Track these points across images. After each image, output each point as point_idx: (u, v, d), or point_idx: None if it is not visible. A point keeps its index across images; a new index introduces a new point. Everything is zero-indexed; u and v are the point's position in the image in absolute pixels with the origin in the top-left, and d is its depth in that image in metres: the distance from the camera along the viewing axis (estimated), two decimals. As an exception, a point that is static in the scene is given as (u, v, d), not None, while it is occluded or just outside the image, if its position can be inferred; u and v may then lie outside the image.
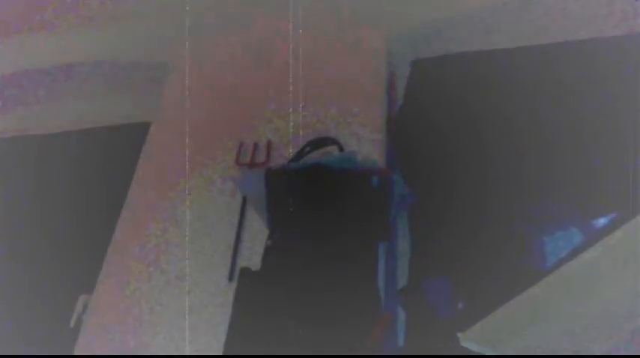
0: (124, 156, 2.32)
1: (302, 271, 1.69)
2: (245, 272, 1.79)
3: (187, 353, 1.78)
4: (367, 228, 1.74)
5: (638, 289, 1.47)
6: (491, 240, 1.87)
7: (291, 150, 2.01)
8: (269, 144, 2.09)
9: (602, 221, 1.80)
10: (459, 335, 1.58)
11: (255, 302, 1.70)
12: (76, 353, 1.89)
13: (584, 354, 1.49)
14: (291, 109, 2.11)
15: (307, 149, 1.98)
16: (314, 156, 1.95)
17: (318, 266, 1.68)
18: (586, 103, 2.01)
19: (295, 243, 1.74)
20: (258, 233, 1.88)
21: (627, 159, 1.80)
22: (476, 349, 1.57)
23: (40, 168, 2.55)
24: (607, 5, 2.11)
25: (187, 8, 2.33)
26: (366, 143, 1.99)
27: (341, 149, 1.95)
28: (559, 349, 1.51)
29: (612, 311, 1.50)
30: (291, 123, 2.09)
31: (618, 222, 1.56)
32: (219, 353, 1.71)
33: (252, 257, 1.85)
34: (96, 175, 2.43)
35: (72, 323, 2.01)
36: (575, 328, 1.52)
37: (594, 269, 1.53)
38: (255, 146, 2.10)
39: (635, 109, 1.85)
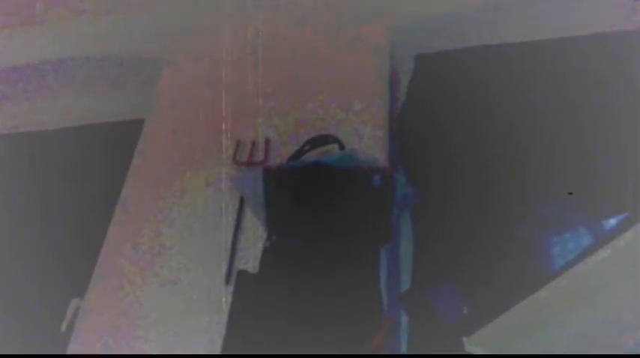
0: (117, 154, 2.30)
1: (301, 274, 1.67)
2: (242, 275, 1.77)
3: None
4: (368, 229, 1.72)
5: (650, 292, 1.44)
6: (497, 242, 1.86)
7: (290, 149, 1.99)
8: (267, 143, 2.06)
9: (611, 222, 1.79)
10: (465, 340, 1.56)
11: (253, 306, 1.68)
12: (68, 357, 1.88)
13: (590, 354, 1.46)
14: (290, 106, 2.10)
15: (307, 147, 1.97)
16: (314, 155, 1.94)
17: (317, 268, 1.67)
18: (594, 100, 2.01)
19: (294, 245, 1.73)
20: (256, 234, 1.86)
21: (637, 158, 1.77)
22: (481, 353, 1.54)
23: (29, 168, 2.54)
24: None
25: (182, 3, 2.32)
26: (367, 141, 1.98)
27: (342, 147, 1.94)
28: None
29: (622, 314, 1.48)
30: (291, 121, 2.08)
31: (628, 223, 1.55)
32: (216, 357, 1.69)
33: (250, 259, 1.83)
34: (87, 175, 2.42)
35: (63, 328, 1.98)
36: (584, 332, 1.48)
37: (603, 272, 1.50)
38: (253, 144, 2.08)
39: (645, 107, 1.83)
